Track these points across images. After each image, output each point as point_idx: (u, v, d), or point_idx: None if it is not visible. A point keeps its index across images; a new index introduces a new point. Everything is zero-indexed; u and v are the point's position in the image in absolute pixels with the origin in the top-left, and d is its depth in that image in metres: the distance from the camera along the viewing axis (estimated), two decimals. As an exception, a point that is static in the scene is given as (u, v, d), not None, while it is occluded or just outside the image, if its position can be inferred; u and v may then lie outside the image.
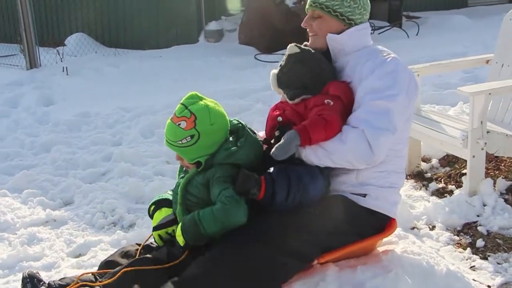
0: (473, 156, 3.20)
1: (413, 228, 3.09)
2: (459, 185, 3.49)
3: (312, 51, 2.37)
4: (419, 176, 3.77)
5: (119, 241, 3.08)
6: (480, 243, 2.89)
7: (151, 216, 2.41)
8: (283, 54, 2.40)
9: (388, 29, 9.24)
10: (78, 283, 2.17)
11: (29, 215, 3.56)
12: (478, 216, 3.12)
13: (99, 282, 2.17)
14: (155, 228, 2.35)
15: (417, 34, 9.15)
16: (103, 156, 4.60)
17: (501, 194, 3.28)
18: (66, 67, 7.47)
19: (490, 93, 3.19)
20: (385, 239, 2.49)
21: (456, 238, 2.98)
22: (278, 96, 2.45)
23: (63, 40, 9.44)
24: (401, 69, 2.28)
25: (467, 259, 2.77)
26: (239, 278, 2.06)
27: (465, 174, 3.39)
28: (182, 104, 2.24)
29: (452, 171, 3.70)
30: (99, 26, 9.80)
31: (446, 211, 3.15)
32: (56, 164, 4.45)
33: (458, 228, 3.06)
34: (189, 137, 2.19)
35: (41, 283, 2.23)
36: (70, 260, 2.98)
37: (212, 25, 9.22)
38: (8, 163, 4.57)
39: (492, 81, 3.67)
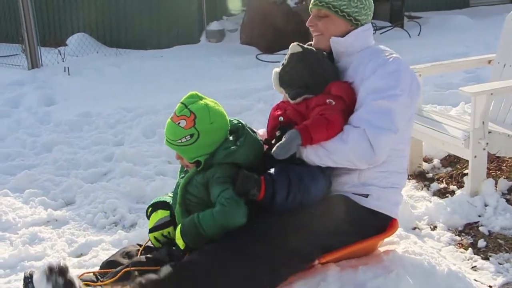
0: (475, 157, 3.19)
1: (414, 228, 3.08)
2: (460, 185, 3.49)
3: (315, 50, 2.37)
4: (420, 176, 3.76)
5: (121, 241, 3.08)
6: (481, 243, 2.88)
7: (149, 218, 2.42)
8: (285, 54, 2.40)
9: (390, 29, 9.23)
10: (79, 282, 2.17)
11: (30, 215, 3.56)
12: (479, 216, 3.12)
13: (101, 282, 2.17)
14: (150, 230, 2.36)
15: (418, 34, 9.14)
16: (104, 156, 4.60)
17: (503, 194, 3.28)
18: (68, 67, 7.47)
19: (492, 93, 3.19)
20: (386, 239, 2.49)
21: (458, 238, 2.97)
22: (279, 95, 2.45)
23: (64, 40, 9.44)
24: (403, 69, 2.28)
25: (468, 260, 2.77)
26: (239, 278, 2.06)
27: (466, 174, 3.39)
28: (182, 103, 2.25)
29: (454, 171, 3.70)
30: (100, 26, 9.80)
31: (447, 211, 3.14)
32: (58, 164, 4.46)
33: (460, 229, 3.06)
34: (189, 136, 2.19)
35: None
36: (71, 259, 2.98)
37: (214, 25, 9.22)
38: (9, 163, 4.58)
39: (494, 81, 3.66)
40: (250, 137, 2.28)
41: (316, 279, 2.23)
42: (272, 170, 2.19)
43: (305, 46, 2.38)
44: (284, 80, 2.35)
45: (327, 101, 2.24)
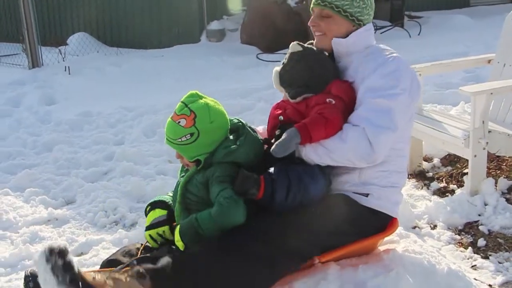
0: (475, 156, 3.20)
1: (414, 227, 3.09)
2: (460, 184, 3.49)
3: (315, 49, 2.36)
4: (420, 176, 3.77)
5: (121, 240, 3.08)
6: (481, 242, 2.89)
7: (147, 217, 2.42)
8: (285, 53, 2.39)
9: (390, 29, 9.24)
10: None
11: (31, 213, 3.57)
12: (479, 215, 3.12)
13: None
14: (146, 228, 2.36)
15: (419, 34, 9.15)
16: (105, 155, 4.61)
17: (503, 193, 3.28)
18: (68, 67, 7.48)
19: (491, 93, 3.19)
20: (386, 238, 2.49)
21: (458, 237, 2.98)
22: (280, 95, 2.45)
23: (65, 39, 9.45)
24: (403, 68, 2.28)
25: (468, 259, 2.78)
26: (238, 278, 2.06)
27: (466, 173, 3.39)
28: (182, 102, 2.25)
29: (454, 171, 3.70)
30: (101, 26, 9.81)
31: (447, 210, 3.15)
32: (58, 163, 4.46)
33: (460, 228, 3.07)
34: (189, 135, 2.19)
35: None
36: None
37: (214, 25, 9.22)
38: (10, 162, 4.59)
39: (493, 81, 3.66)
40: (250, 136, 2.28)
41: (317, 278, 2.23)
42: (271, 170, 2.19)
43: (305, 45, 2.38)
44: (284, 79, 2.35)
45: (327, 100, 2.23)
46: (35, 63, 7.99)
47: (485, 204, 3.17)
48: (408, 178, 3.65)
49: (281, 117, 2.32)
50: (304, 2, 8.25)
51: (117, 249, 2.53)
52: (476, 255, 2.79)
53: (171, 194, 2.46)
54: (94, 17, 9.82)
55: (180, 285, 2.02)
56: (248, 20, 8.82)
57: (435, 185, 3.57)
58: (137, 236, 3.05)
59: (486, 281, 2.55)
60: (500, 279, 2.56)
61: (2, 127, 5.58)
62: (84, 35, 9.40)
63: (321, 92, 2.29)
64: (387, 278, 2.21)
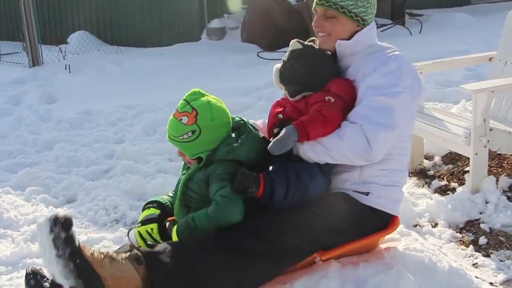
0: (476, 154, 3.19)
1: (415, 226, 3.09)
2: (461, 182, 3.49)
3: (315, 47, 2.36)
4: (421, 174, 3.77)
5: (122, 238, 3.08)
6: (482, 240, 2.88)
7: None
8: (286, 52, 2.39)
9: (391, 27, 9.23)
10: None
11: (32, 212, 3.56)
12: (480, 213, 3.12)
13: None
14: (137, 225, 2.36)
15: (420, 32, 9.14)
16: (105, 153, 4.60)
17: (504, 191, 3.28)
18: (69, 65, 7.48)
19: (493, 91, 3.19)
20: (387, 236, 2.49)
21: (459, 235, 2.98)
22: (281, 93, 2.45)
23: (65, 38, 9.45)
24: (405, 67, 2.26)
25: (469, 256, 2.77)
26: (236, 278, 2.06)
27: (467, 171, 3.39)
28: (184, 100, 2.25)
29: (455, 169, 3.70)
30: (101, 24, 9.81)
31: (448, 208, 3.15)
32: (59, 161, 4.46)
33: (461, 226, 3.06)
34: (190, 132, 2.19)
35: (44, 279, 2.23)
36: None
37: (215, 23, 9.22)
38: (11, 160, 4.59)
39: (495, 79, 3.66)
40: (252, 134, 2.28)
41: (317, 276, 2.23)
42: (271, 168, 2.19)
43: (305, 43, 2.37)
44: (285, 77, 2.34)
45: (326, 98, 2.22)
46: (35, 61, 7.99)
47: (486, 202, 3.17)
48: (409, 176, 3.65)
49: (280, 115, 2.31)
50: (305, 0, 8.24)
51: (118, 247, 2.53)
52: (477, 253, 2.79)
53: (171, 194, 2.46)
54: (95, 15, 9.82)
55: (176, 278, 2.01)
56: (249, 18, 8.82)
57: (436, 183, 3.57)
58: (138, 234, 3.05)
59: (487, 279, 2.55)
60: (501, 277, 2.56)
61: (3, 125, 5.58)
62: (84, 34, 9.40)
63: (320, 90, 2.28)
64: (388, 276, 2.21)
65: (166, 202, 2.41)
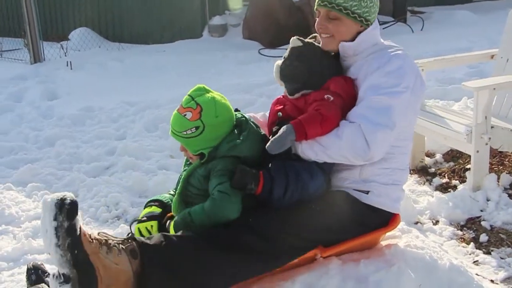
0: (477, 151, 3.19)
1: (416, 223, 3.09)
2: (462, 180, 3.49)
3: (316, 44, 2.34)
4: (422, 171, 3.77)
5: (123, 235, 3.06)
6: (483, 238, 2.89)
7: None
8: (287, 49, 2.38)
9: (392, 24, 9.22)
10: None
11: (33, 208, 3.57)
12: (481, 211, 3.12)
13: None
14: (138, 222, 2.36)
15: (421, 29, 9.13)
16: (107, 150, 4.61)
17: (505, 189, 3.28)
18: (70, 62, 7.49)
19: (494, 88, 3.19)
20: (388, 233, 2.49)
21: (460, 232, 2.98)
22: (281, 90, 2.45)
23: (67, 34, 9.45)
24: (408, 66, 2.24)
25: (470, 254, 2.78)
26: (230, 271, 2.07)
27: (469, 169, 3.39)
28: (189, 95, 2.25)
29: (456, 166, 3.70)
30: (102, 21, 9.80)
31: (449, 206, 3.15)
32: (60, 158, 4.47)
33: (462, 223, 3.06)
34: (194, 128, 2.20)
35: (45, 274, 2.24)
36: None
37: (216, 20, 9.21)
38: (12, 157, 4.59)
39: (496, 76, 3.66)
40: (253, 131, 2.28)
41: (318, 273, 2.24)
42: (270, 166, 2.19)
43: (306, 40, 2.35)
44: (285, 73, 2.33)
45: (325, 96, 2.21)
46: (37, 58, 8.00)
47: (487, 200, 3.17)
48: (410, 173, 3.65)
49: (280, 113, 2.31)
50: (306, -3, 8.23)
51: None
52: (478, 251, 2.79)
53: (172, 192, 2.47)
54: (96, 12, 9.82)
55: (169, 272, 2.01)
56: (250, 15, 8.81)
57: (437, 180, 3.57)
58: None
59: (488, 277, 2.55)
60: (502, 274, 2.56)
61: (4, 122, 5.59)
62: (86, 30, 9.40)
63: (319, 88, 2.27)
64: (389, 273, 2.21)
65: (168, 201, 2.41)
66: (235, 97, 5.54)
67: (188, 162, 2.40)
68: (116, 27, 9.70)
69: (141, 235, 2.32)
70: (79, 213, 1.89)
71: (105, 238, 1.99)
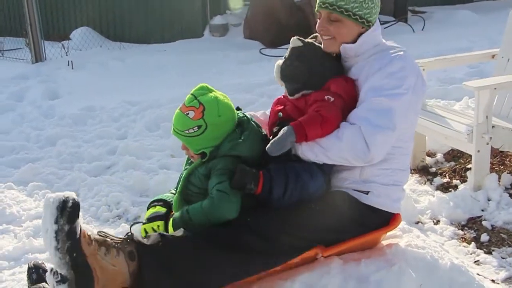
0: (478, 151, 3.19)
1: (417, 222, 3.09)
2: (463, 179, 3.49)
3: (316, 44, 2.34)
4: (423, 171, 3.77)
5: (124, 234, 3.08)
6: (484, 237, 2.89)
7: None
8: (288, 48, 2.38)
9: (393, 24, 9.21)
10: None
11: (34, 207, 3.57)
12: (482, 210, 3.12)
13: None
14: (143, 223, 2.36)
15: (422, 29, 9.12)
16: (108, 149, 4.61)
17: (506, 189, 3.28)
18: (71, 61, 7.49)
19: (495, 88, 3.19)
20: (389, 233, 2.49)
21: (461, 232, 2.98)
22: (283, 90, 2.45)
23: (68, 34, 9.46)
24: (409, 67, 2.23)
25: (471, 254, 2.78)
26: (229, 270, 2.07)
27: (470, 168, 3.39)
28: (191, 94, 2.25)
29: (457, 166, 3.70)
30: (104, 20, 9.81)
31: (450, 205, 3.15)
32: (62, 157, 4.47)
33: (463, 223, 3.07)
34: (196, 127, 2.20)
35: (46, 273, 2.24)
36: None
37: (217, 19, 9.22)
38: (13, 156, 4.60)
39: (497, 76, 3.66)
40: (255, 131, 2.29)
41: (319, 272, 2.23)
42: (270, 166, 2.19)
43: (306, 40, 2.34)
44: (285, 73, 2.33)
45: (326, 97, 2.20)
46: (38, 57, 8.00)
47: (488, 199, 3.17)
48: (411, 173, 3.65)
49: (281, 114, 2.30)
50: (307, -3, 8.23)
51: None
52: (479, 250, 2.79)
53: (174, 191, 2.47)
54: (97, 11, 9.82)
55: (166, 272, 2.00)
56: (251, 15, 8.81)
57: (438, 180, 3.57)
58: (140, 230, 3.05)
59: (489, 276, 2.55)
60: (503, 274, 2.57)
61: (6, 121, 5.59)
62: (87, 30, 9.40)
63: (320, 89, 2.27)
64: (390, 272, 2.21)
65: (171, 200, 2.41)
66: (236, 96, 5.54)
67: (189, 161, 2.40)
68: (118, 27, 9.71)
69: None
70: (80, 216, 1.89)
71: (104, 238, 1.99)
